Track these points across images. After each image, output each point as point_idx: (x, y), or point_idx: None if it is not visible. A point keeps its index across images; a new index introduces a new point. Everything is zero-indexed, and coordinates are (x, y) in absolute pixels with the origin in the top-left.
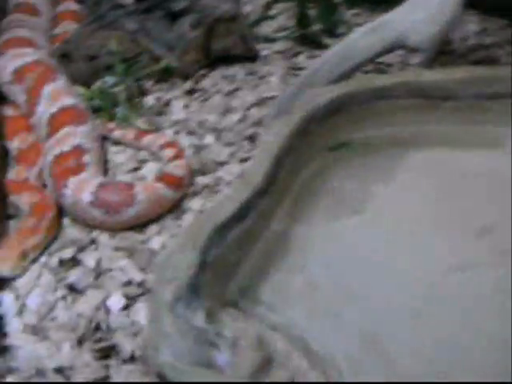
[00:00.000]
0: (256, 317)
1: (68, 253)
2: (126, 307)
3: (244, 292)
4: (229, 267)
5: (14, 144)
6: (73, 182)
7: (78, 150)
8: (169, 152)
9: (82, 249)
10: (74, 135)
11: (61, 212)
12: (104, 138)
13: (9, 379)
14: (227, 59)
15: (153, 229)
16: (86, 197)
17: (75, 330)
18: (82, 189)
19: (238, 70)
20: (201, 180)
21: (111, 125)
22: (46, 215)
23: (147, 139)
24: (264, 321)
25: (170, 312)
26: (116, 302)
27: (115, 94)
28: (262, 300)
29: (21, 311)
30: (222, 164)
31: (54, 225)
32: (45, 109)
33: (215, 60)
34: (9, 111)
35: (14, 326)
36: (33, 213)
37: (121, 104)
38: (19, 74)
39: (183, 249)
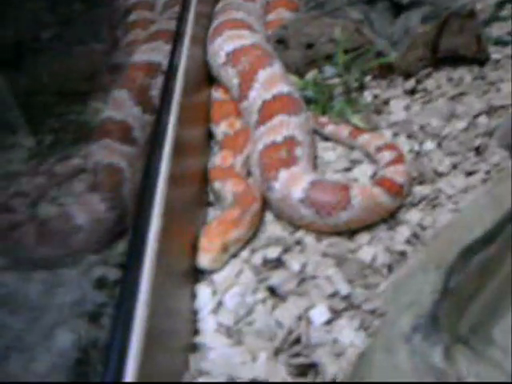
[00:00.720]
0: (490, 360)
1: (273, 252)
2: (328, 322)
3: (476, 327)
4: (465, 297)
5: (221, 128)
6: (283, 175)
7: (291, 142)
8: (387, 155)
9: (286, 249)
10: (288, 125)
11: (265, 206)
12: (314, 132)
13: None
14: (454, 60)
15: (363, 237)
16: (297, 193)
17: (272, 339)
18: (292, 184)
19: (464, 73)
20: (419, 190)
21: (323, 119)
22: (250, 207)
23: (363, 138)
24: (498, 366)
25: (406, 344)
26: (319, 314)
27: (331, 87)
28: (495, 340)
29: (217, 309)
30: (442, 175)
31: (257, 219)
32: (258, 94)
33: (441, 60)
34: (218, 94)
35: (208, 323)
36: (237, 203)
37: (336, 98)
38: (234, 56)
39: (425, 270)
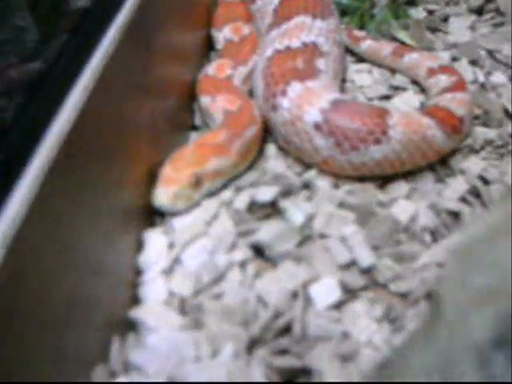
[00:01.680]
0: None
1: (266, 193)
2: (337, 305)
3: None
4: None
5: (223, 33)
6: (295, 89)
7: (312, 50)
8: (444, 79)
9: (287, 193)
10: (310, 29)
11: (266, 133)
12: (346, 51)
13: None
14: None
15: (400, 187)
16: (312, 115)
17: (248, 323)
18: (306, 102)
19: None
20: (482, 133)
21: (360, 33)
22: (244, 131)
23: (410, 58)
24: None
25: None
26: (324, 292)
27: None
28: None
29: (171, 270)
30: None
31: (252, 149)
32: None
33: None
34: None
35: (154, 290)
36: (227, 124)
37: (379, 7)
38: None
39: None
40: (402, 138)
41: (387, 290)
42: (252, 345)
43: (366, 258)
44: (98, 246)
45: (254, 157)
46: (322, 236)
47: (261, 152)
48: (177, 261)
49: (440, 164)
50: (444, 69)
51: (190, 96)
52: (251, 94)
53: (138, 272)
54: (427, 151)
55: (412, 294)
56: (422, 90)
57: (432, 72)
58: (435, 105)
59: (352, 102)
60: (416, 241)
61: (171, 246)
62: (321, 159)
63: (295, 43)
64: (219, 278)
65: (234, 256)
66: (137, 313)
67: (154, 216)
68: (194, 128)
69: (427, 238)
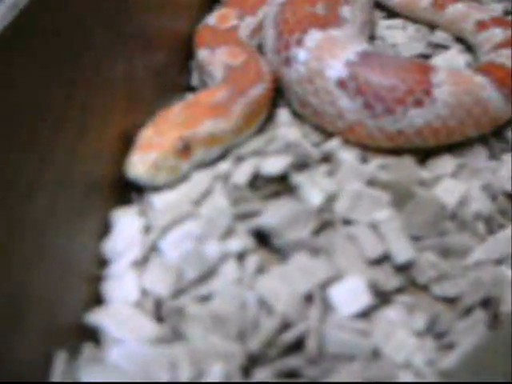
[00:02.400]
0: None
1: (275, 166)
2: (365, 312)
3: None
4: None
5: None
6: (314, 37)
7: None
8: (498, 33)
9: (302, 166)
10: None
11: (278, 94)
12: (377, 5)
13: None
14: None
15: (447, 163)
16: (334, 69)
17: (246, 335)
18: (328, 53)
19: None
20: None
21: None
22: (249, 89)
23: (455, 10)
24: None
25: None
26: (349, 294)
27: None
28: None
29: (144, 260)
30: None
31: (259, 110)
32: None
33: None
34: None
35: (120, 287)
36: (227, 80)
37: None
38: None
39: None
40: (449, 100)
41: (430, 294)
42: (250, 365)
43: (402, 251)
44: (51, 227)
45: (260, 121)
46: (347, 222)
47: (270, 118)
48: (153, 249)
49: (495, 136)
50: (497, 21)
51: (187, 52)
52: (260, 50)
53: (102, 262)
54: (480, 118)
55: (462, 299)
56: (469, 48)
57: (482, 25)
58: (490, 62)
59: (385, 55)
60: (467, 231)
61: (147, 229)
62: (345, 125)
63: None
64: (208, 274)
65: (229, 245)
66: (97, 316)
67: (128, 191)
68: (190, 89)
69: (480, 227)
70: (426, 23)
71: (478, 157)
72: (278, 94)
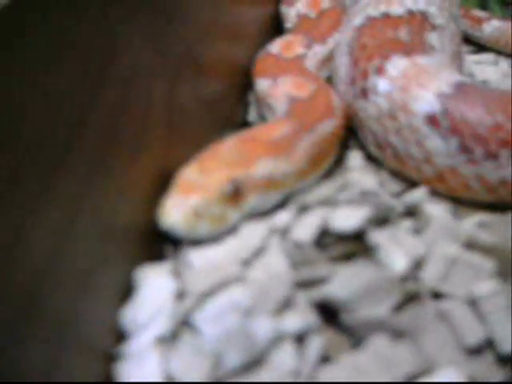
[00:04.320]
0: None
1: (350, 220)
2: None
3: None
4: None
5: (296, 8)
6: (398, 64)
7: (420, 21)
8: None
9: (383, 222)
10: None
11: (350, 133)
12: (466, 40)
13: None
14: None
15: None
16: (424, 102)
17: None
18: (415, 83)
19: None
20: None
21: (481, 13)
22: (317, 124)
23: None
24: None
25: None
26: None
27: None
28: None
29: (173, 337)
30: None
31: (328, 150)
32: None
33: None
34: None
35: (140, 371)
36: (292, 114)
37: None
38: None
39: None
40: None
41: None
42: None
43: (509, 337)
44: (63, 289)
45: (328, 163)
46: (438, 295)
47: (339, 161)
48: (186, 323)
49: None
50: None
51: (245, 84)
52: (330, 82)
53: (119, 335)
54: None
55: None
56: None
57: None
58: None
59: (486, 87)
60: None
61: (181, 295)
62: (435, 172)
63: (397, 10)
64: (256, 362)
65: (285, 322)
66: None
67: (160, 243)
68: (247, 125)
69: None
70: None
71: None
72: (351, 134)
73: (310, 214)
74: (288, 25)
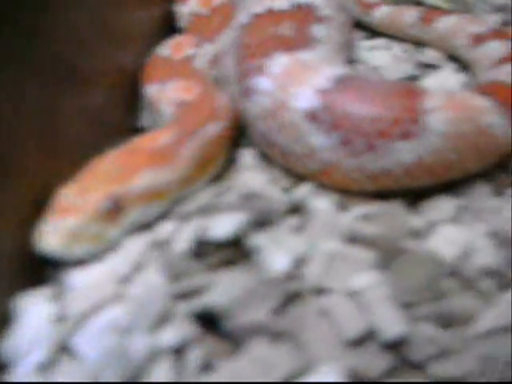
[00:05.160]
0: None
1: (225, 227)
2: None
3: None
4: None
5: (189, 6)
6: (279, 62)
7: (305, 13)
8: (497, 47)
9: (262, 223)
10: None
11: (240, 132)
12: (357, 25)
13: None
14: None
15: (443, 206)
16: (303, 98)
17: None
18: (295, 80)
19: None
20: None
21: None
22: (201, 128)
23: (447, 23)
24: None
25: None
26: None
27: None
28: None
29: (52, 364)
30: None
31: (214, 153)
32: None
33: None
34: None
35: None
36: (177, 120)
37: None
38: None
39: None
40: (444, 129)
41: (428, 375)
42: None
43: (391, 324)
44: None
45: (216, 166)
46: (320, 291)
47: (232, 159)
48: (64, 347)
49: (500, 169)
50: (495, 33)
51: (135, 88)
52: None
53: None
54: (483, 148)
55: (469, 380)
56: (463, 67)
57: (479, 39)
58: (492, 81)
59: (365, 79)
60: (471, 291)
61: (61, 319)
62: (319, 167)
63: (281, 4)
64: (134, 378)
65: (162, 336)
66: None
67: (39, 268)
68: (140, 131)
69: (488, 285)
70: (413, 41)
71: (481, 194)
72: (243, 132)
73: (189, 224)
74: (182, 24)
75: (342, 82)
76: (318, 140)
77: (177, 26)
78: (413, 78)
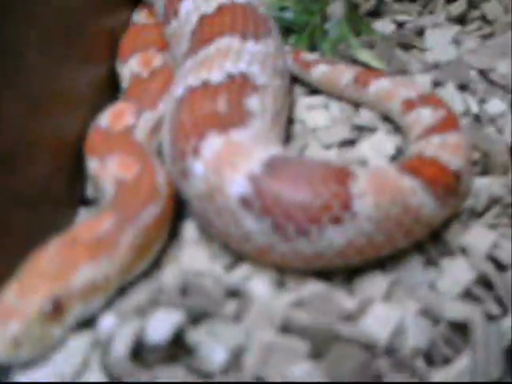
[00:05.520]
0: None
1: (159, 332)
2: None
3: None
4: None
5: (129, 67)
6: (213, 145)
7: (240, 84)
8: (427, 114)
9: (204, 315)
10: (238, 55)
11: (180, 209)
12: (294, 79)
13: None
14: None
15: (376, 282)
16: (236, 184)
17: None
18: (228, 165)
19: None
20: (483, 185)
21: (310, 56)
22: (141, 213)
23: (379, 87)
24: None
25: None
26: None
27: (326, 3)
28: None
29: None
30: None
31: (154, 238)
32: (194, 6)
33: None
34: (140, 17)
35: None
36: (116, 202)
37: (334, 20)
38: None
39: None
40: (373, 213)
41: None
42: None
43: None
44: None
45: (158, 248)
46: (259, 379)
47: (175, 233)
48: None
49: (431, 239)
50: (426, 99)
51: (80, 157)
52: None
53: None
54: (412, 227)
55: None
56: (397, 127)
57: (410, 104)
58: (419, 155)
59: (296, 161)
60: (405, 371)
61: None
62: (255, 249)
63: (217, 76)
64: None
65: None
66: None
67: None
68: (85, 202)
69: (421, 364)
70: (350, 101)
71: (414, 268)
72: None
73: (128, 324)
74: (123, 84)
75: (273, 167)
76: (252, 225)
77: (120, 86)
78: (349, 142)
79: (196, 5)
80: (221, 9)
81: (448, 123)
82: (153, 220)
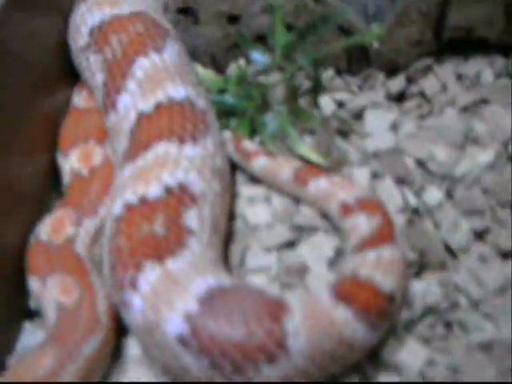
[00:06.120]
0: None
1: None
2: None
3: None
4: None
5: (69, 163)
6: (149, 277)
7: (178, 198)
8: (364, 223)
9: None
10: (176, 163)
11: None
12: (233, 167)
13: None
14: (467, 45)
15: None
16: (173, 323)
17: None
18: (165, 301)
19: (484, 67)
20: (419, 290)
21: (251, 145)
22: (81, 346)
23: (317, 187)
24: None
25: None
26: None
27: (265, 87)
28: None
29: None
30: (458, 254)
31: (96, 369)
32: (132, 101)
33: (447, 45)
34: (80, 99)
35: None
36: (55, 336)
37: (274, 106)
38: (101, 33)
39: None
40: (307, 350)
41: None
42: None
43: None
44: None
45: (98, 376)
46: None
47: (117, 354)
48: None
49: (367, 360)
50: (363, 204)
51: (20, 269)
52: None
53: None
54: (345, 355)
55: None
56: (340, 229)
57: (347, 209)
58: (353, 276)
59: (232, 292)
60: None
61: None
62: (194, 379)
63: (154, 191)
64: None
65: None
66: None
67: None
68: (30, 316)
69: None
70: (291, 196)
71: None
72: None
73: None
74: (65, 180)
75: (209, 303)
76: (191, 361)
77: (62, 181)
78: (290, 244)
79: (133, 100)
80: (158, 108)
81: (383, 233)
82: (95, 352)
